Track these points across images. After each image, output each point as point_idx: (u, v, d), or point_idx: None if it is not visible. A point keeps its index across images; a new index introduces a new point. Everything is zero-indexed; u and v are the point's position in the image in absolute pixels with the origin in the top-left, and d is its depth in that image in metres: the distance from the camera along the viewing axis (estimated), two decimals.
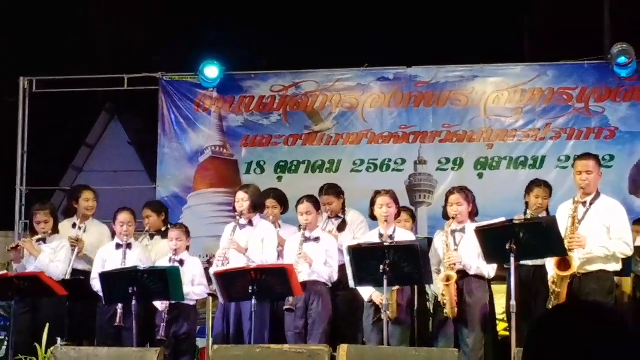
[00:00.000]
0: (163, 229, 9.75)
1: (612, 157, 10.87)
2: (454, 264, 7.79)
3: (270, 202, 9.25)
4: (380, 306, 7.83)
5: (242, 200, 8.72)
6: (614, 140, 11.01)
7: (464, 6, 14.92)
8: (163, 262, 8.75)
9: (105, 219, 9.89)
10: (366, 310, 8.17)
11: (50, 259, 9.11)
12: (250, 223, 8.74)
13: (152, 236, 9.74)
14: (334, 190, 9.36)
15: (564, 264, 7.46)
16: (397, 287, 7.84)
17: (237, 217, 8.73)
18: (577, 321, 2.21)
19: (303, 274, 8.21)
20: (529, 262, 8.24)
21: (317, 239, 8.54)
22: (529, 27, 16.52)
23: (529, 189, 8.93)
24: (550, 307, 7.53)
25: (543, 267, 8.06)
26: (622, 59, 10.90)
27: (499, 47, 14.07)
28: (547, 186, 8.95)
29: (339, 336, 8.25)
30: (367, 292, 8.08)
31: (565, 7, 14.90)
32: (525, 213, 8.80)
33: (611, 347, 2.15)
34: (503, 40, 15.05)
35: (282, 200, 9.36)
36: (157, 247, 9.50)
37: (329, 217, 9.24)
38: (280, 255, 8.71)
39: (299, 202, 8.72)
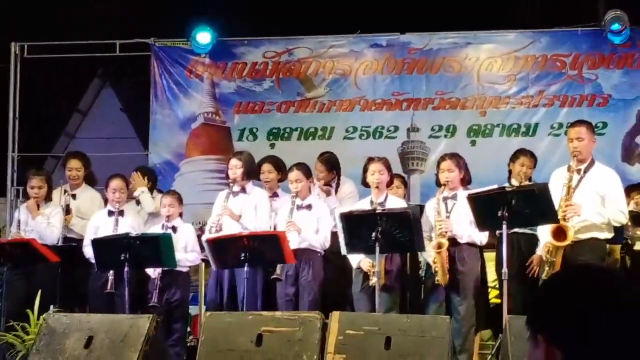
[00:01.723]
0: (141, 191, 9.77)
1: (605, 125, 10.87)
2: (445, 232, 7.80)
3: (265, 167, 9.25)
4: (369, 273, 7.85)
5: (235, 167, 8.71)
6: (607, 107, 11.01)
7: None
8: (155, 229, 8.76)
9: (98, 186, 9.87)
10: (355, 278, 8.18)
11: (46, 223, 9.14)
12: (244, 190, 8.74)
13: (138, 202, 9.74)
14: (327, 162, 9.38)
15: (561, 233, 7.46)
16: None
17: (230, 184, 8.73)
18: (589, 283, 2.20)
19: (293, 242, 8.20)
20: (521, 230, 8.24)
21: (308, 207, 8.53)
22: None
23: (514, 157, 8.94)
24: (544, 275, 7.56)
25: (535, 235, 8.08)
26: (615, 26, 10.86)
27: (492, 14, 13.99)
28: (532, 156, 8.96)
29: (330, 303, 8.26)
30: (355, 259, 8.09)
31: None
32: (508, 180, 8.81)
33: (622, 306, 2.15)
34: (496, 6, 14.97)
35: (278, 165, 9.32)
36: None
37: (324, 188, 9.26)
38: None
39: (289, 170, 8.73)
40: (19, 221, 9.19)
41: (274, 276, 8.18)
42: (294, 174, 8.60)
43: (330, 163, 9.43)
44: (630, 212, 8.49)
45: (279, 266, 8.08)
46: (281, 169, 9.29)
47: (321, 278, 8.43)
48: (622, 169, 10.24)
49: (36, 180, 9.25)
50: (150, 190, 9.85)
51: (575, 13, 12.35)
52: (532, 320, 2.24)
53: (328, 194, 9.21)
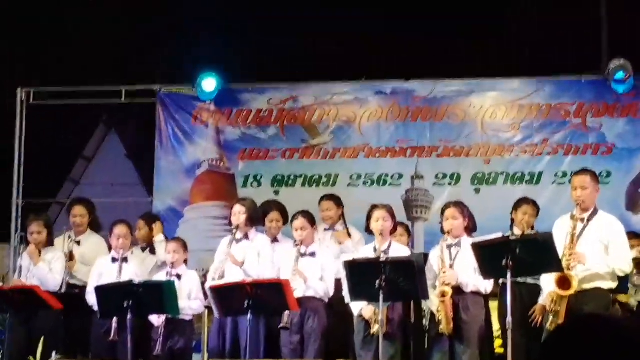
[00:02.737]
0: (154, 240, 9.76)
1: (609, 174, 10.87)
2: (449, 282, 7.78)
3: (274, 215, 9.27)
4: (371, 321, 7.82)
5: (239, 213, 8.71)
6: (611, 156, 11.01)
7: (462, 19, 14.92)
8: (160, 276, 8.74)
9: (102, 231, 9.86)
10: (356, 326, 8.15)
11: (48, 269, 9.10)
12: (247, 237, 8.73)
13: (143, 249, 9.74)
14: (334, 198, 9.45)
15: (565, 282, 7.43)
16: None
17: (234, 231, 8.72)
18: (596, 335, 2.20)
19: (299, 291, 8.18)
20: (522, 279, 8.21)
21: (312, 254, 8.51)
22: (527, 41, 16.52)
23: (517, 206, 8.93)
24: (549, 325, 7.52)
25: (539, 285, 8.06)
26: (619, 75, 10.90)
27: (497, 62, 14.06)
28: (535, 205, 8.95)
29: (332, 351, 8.22)
30: (356, 307, 8.06)
31: (564, 22, 14.91)
32: (511, 229, 8.79)
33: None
34: (501, 54, 15.05)
35: (284, 213, 9.38)
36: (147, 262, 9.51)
37: (325, 229, 9.26)
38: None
39: (294, 217, 8.70)
40: (21, 267, 9.16)
41: (282, 325, 8.13)
42: (299, 222, 8.59)
43: (336, 199, 9.49)
44: (635, 259, 8.47)
45: (285, 314, 8.04)
46: (286, 217, 9.32)
47: (326, 326, 8.39)
48: (626, 218, 10.22)
49: (35, 226, 9.23)
50: (154, 236, 9.86)
51: (579, 61, 12.41)
52: None
53: (342, 238, 9.19)
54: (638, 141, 11.00)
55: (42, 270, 9.05)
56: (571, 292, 7.42)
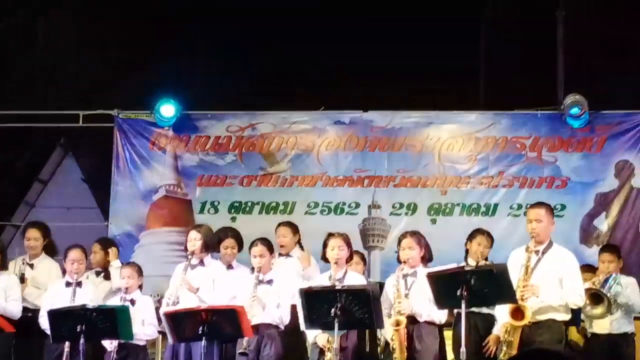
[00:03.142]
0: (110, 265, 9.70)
1: (563, 207, 10.99)
2: (403, 312, 7.80)
3: (229, 242, 9.30)
4: (325, 349, 7.82)
5: (195, 239, 8.70)
6: (566, 189, 11.14)
7: (421, 52, 15.05)
8: (114, 301, 8.67)
9: (57, 255, 9.78)
10: (311, 353, 8.15)
11: (4, 297, 8.98)
12: (202, 263, 8.72)
13: (98, 273, 9.67)
14: (290, 225, 9.46)
15: (518, 313, 7.49)
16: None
17: (189, 257, 8.70)
18: None
19: (257, 317, 8.17)
20: (477, 309, 8.26)
21: (269, 282, 8.50)
22: (484, 75, 16.70)
23: (471, 236, 9.02)
24: (502, 355, 7.58)
25: (493, 314, 8.11)
26: (574, 110, 11.05)
27: (454, 95, 14.19)
28: (489, 236, 9.05)
29: None
30: (311, 334, 8.05)
31: (520, 57, 15.09)
32: (465, 259, 8.86)
33: None
34: (458, 87, 15.18)
35: (239, 239, 9.41)
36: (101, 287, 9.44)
37: (280, 255, 9.27)
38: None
39: (253, 244, 8.67)
40: None
41: (241, 350, 8.12)
42: (258, 249, 8.57)
43: (293, 226, 9.50)
44: (588, 289, 8.56)
45: (245, 339, 8.02)
46: (241, 243, 9.34)
47: (281, 353, 8.37)
48: (580, 251, 10.33)
49: None
50: (109, 261, 9.79)
51: (536, 96, 12.57)
52: None
53: (304, 263, 9.21)
54: (592, 175, 11.14)
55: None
56: (524, 322, 7.49)
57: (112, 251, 9.92)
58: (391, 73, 14.84)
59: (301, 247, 9.61)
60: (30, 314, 9.12)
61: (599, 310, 8.78)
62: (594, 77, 13.09)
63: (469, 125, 11.52)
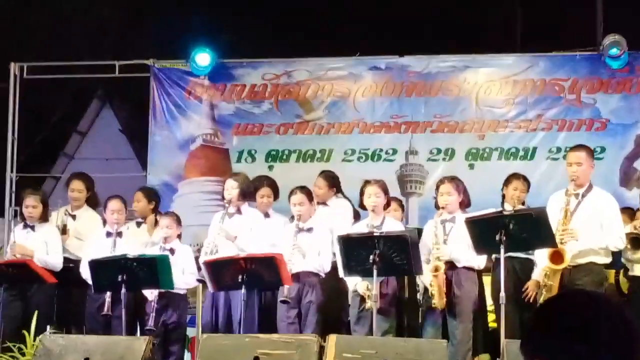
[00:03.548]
0: (150, 217, 9.72)
1: (603, 149, 10.87)
2: (442, 257, 7.79)
3: (265, 191, 9.27)
4: (365, 296, 7.84)
5: (231, 188, 8.72)
6: (606, 132, 11.01)
7: None
8: (154, 250, 8.74)
9: (99, 207, 9.85)
10: (352, 301, 8.17)
11: (45, 250, 9.08)
12: (239, 211, 8.74)
13: (139, 224, 9.72)
14: (330, 179, 9.39)
15: (557, 256, 7.45)
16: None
17: (226, 205, 8.72)
18: (577, 311, 2.22)
19: (297, 265, 8.20)
20: (516, 254, 8.22)
21: (309, 230, 8.51)
22: (522, 17, 16.52)
23: (507, 182, 8.91)
24: (541, 299, 7.54)
25: (532, 259, 8.08)
26: (614, 51, 10.89)
27: (491, 37, 14.06)
28: (525, 180, 8.91)
29: (329, 325, 8.24)
30: (351, 282, 8.07)
31: None
32: (502, 205, 8.78)
33: (611, 337, 2.17)
34: (495, 30, 15.05)
35: (275, 188, 9.39)
36: (142, 235, 9.48)
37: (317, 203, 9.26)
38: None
39: (292, 192, 8.67)
40: (14, 242, 9.14)
41: (282, 298, 8.15)
42: (297, 197, 8.57)
43: (331, 180, 9.44)
44: (629, 234, 8.49)
45: (286, 287, 8.05)
46: (277, 192, 9.33)
47: (323, 300, 8.40)
48: (620, 194, 10.24)
49: (31, 200, 9.22)
50: (153, 211, 9.83)
51: (574, 37, 12.41)
52: (526, 344, 2.25)
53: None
54: (632, 117, 11.00)
55: (41, 259, 8.98)
56: (564, 266, 7.45)
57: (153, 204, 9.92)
58: (427, 17, 14.72)
59: (344, 196, 9.55)
60: (71, 265, 9.21)
61: (639, 254, 8.71)
62: (633, 17, 12.89)
63: (506, 68, 11.40)
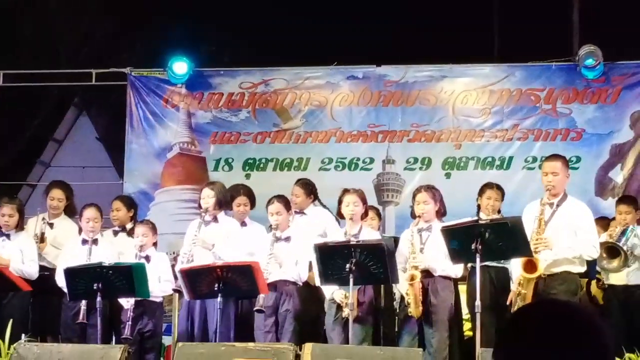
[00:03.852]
0: (129, 225, 9.68)
1: (578, 159, 10.95)
2: (418, 266, 7.80)
3: (241, 200, 9.26)
4: (342, 304, 7.84)
5: (208, 197, 8.70)
6: (581, 141, 11.09)
7: (434, 5, 14.96)
8: (129, 259, 8.71)
9: (76, 216, 9.81)
10: (328, 309, 8.17)
11: (20, 259, 9.02)
12: (215, 220, 8.72)
13: (115, 232, 9.67)
14: (306, 186, 9.39)
15: (531, 265, 7.48)
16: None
17: (202, 214, 8.71)
18: (550, 320, 2.23)
19: (274, 274, 8.19)
20: (495, 263, 8.26)
21: (287, 239, 8.50)
22: (498, 27, 16.60)
23: (481, 191, 8.95)
24: (516, 308, 7.56)
25: (507, 267, 8.11)
26: (589, 61, 10.97)
27: (468, 47, 14.11)
28: (499, 188, 8.95)
29: (305, 334, 8.24)
30: (328, 290, 8.07)
31: (534, 8, 14.98)
32: (477, 214, 8.81)
33: (583, 346, 2.18)
34: (472, 40, 15.10)
35: (252, 197, 9.39)
36: (120, 243, 9.42)
37: (295, 212, 9.25)
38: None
39: (270, 202, 8.65)
40: None
41: (257, 307, 8.13)
42: (275, 206, 8.56)
43: (308, 187, 9.44)
44: (604, 243, 8.54)
45: (260, 297, 8.04)
46: (254, 201, 9.33)
47: (299, 309, 8.40)
48: (595, 203, 10.31)
49: (7, 209, 9.16)
50: (132, 219, 9.80)
51: (550, 48, 12.48)
52: (498, 353, 2.26)
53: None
54: (607, 127, 11.08)
55: (16, 268, 8.92)
56: (537, 275, 7.47)
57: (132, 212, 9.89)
58: (404, 26, 14.77)
59: (322, 204, 9.57)
60: (47, 273, 9.16)
61: (614, 263, 8.76)
62: (609, 28, 12.99)
63: (483, 78, 11.46)
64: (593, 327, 2.22)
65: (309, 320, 8.67)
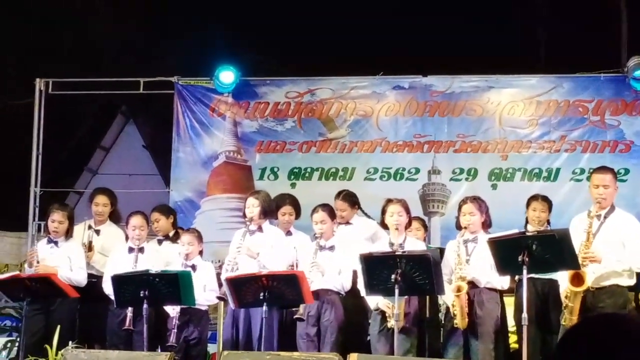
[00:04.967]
0: (171, 233, 9.74)
1: (627, 171, 10.83)
2: (465, 277, 7.77)
3: (287, 209, 9.29)
4: (387, 315, 7.82)
5: (253, 206, 8.71)
6: (629, 153, 10.97)
7: (481, 17, 14.90)
8: (175, 267, 8.75)
9: (121, 222, 9.89)
10: (373, 319, 8.15)
11: (69, 266, 9.10)
12: (260, 229, 8.73)
13: (160, 242, 9.72)
14: (349, 198, 9.40)
15: (578, 279, 7.42)
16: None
17: (247, 223, 8.72)
18: (607, 334, 2.21)
19: (316, 283, 8.19)
20: (542, 275, 8.19)
21: (331, 248, 8.51)
22: (546, 38, 16.50)
23: (527, 204, 8.91)
24: (563, 321, 7.51)
25: (556, 280, 8.04)
26: (638, 72, 10.86)
27: (514, 58, 14.04)
28: (544, 200, 8.89)
29: (348, 344, 8.23)
30: (373, 301, 8.06)
31: (583, 19, 14.87)
32: (525, 227, 8.74)
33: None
34: (519, 51, 15.03)
35: (297, 206, 9.41)
36: (166, 252, 9.47)
37: (339, 223, 9.24)
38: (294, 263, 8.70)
39: (314, 210, 8.67)
40: (37, 262, 9.13)
41: (297, 316, 8.15)
42: (319, 215, 8.57)
43: (352, 199, 9.45)
44: None
45: (301, 306, 8.05)
46: (299, 210, 9.35)
47: (342, 319, 8.39)
48: None
49: (58, 215, 9.26)
50: (174, 225, 9.87)
51: (598, 59, 12.38)
52: None
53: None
54: None
55: (64, 276, 8.99)
56: (584, 288, 7.40)
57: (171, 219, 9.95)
58: (450, 36, 14.73)
59: (364, 213, 9.59)
60: (95, 280, 9.24)
61: None
62: None
63: (530, 88, 11.39)
64: None
65: (353, 330, 8.66)
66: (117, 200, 9.95)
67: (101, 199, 9.79)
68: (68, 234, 9.27)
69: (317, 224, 8.54)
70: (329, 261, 8.44)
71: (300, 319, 8.19)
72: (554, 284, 8.17)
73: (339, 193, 9.54)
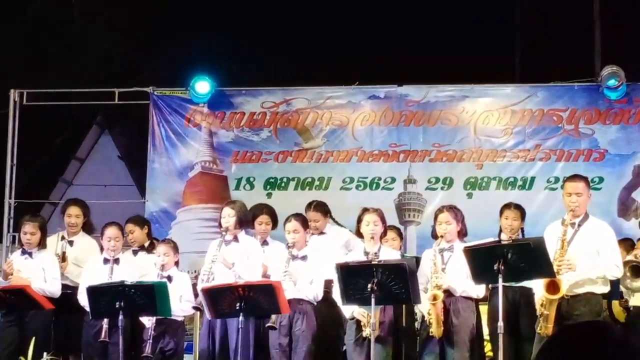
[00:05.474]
0: (147, 243, 9.71)
1: (601, 179, 10.90)
2: (441, 285, 7.79)
3: (263, 219, 9.28)
4: (362, 324, 7.82)
5: (229, 216, 8.70)
6: (603, 162, 11.05)
7: (456, 26, 14.97)
8: (151, 278, 8.72)
9: (94, 233, 9.85)
10: (348, 328, 8.15)
11: (43, 277, 9.04)
12: (236, 239, 8.71)
13: (135, 252, 9.68)
14: (321, 208, 9.41)
15: (553, 286, 7.44)
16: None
17: (223, 233, 8.71)
18: (586, 343, 2.22)
19: (288, 292, 8.17)
20: (513, 283, 8.21)
21: (304, 257, 8.50)
22: (520, 48, 16.59)
23: (500, 212, 8.92)
24: (539, 329, 7.54)
25: (529, 288, 8.07)
26: (612, 82, 10.94)
27: (489, 68, 14.11)
28: (517, 208, 8.89)
29: (324, 354, 8.22)
30: (348, 310, 8.05)
31: (556, 29, 14.97)
32: (499, 235, 8.76)
33: None
34: (494, 60, 15.09)
35: (274, 216, 9.40)
36: (141, 263, 9.43)
37: (313, 233, 9.24)
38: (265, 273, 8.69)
39: (287, 220, 8.66)
40: (11, 274, 9.07)
41: (269, 324, 8.14)
42: (292, 225, 8.57)
43: (323, 209, 9.46)
44: (629, 262, 8.50)
45: (273, 315, 8.04)
46: (276, 220, 9.34)
47: (314, 328, 8.38)
48: (618, 224, 10.26)
49: (29, 227, 9.19)
50: (149, 235, 9.83)
51: (572, 68, 12.47)
52: None
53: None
54: (630, 147, 11.04)
55: (37, 287, 8.93)
56: (559, 296, 7.43)
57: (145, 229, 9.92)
58: (425, 46, 14.78)
59: (337, 223, 9.60)
60: (70, 291, 9.18)
61: (638, 282, 8.71)
62: (631, 48, 12.96)
63: (505, 98, 11.45)
64: (628, 347, 2.21)
65: (328, 340, 8.65)
66: (90, 211, 9.89)
67: (73, 210, 9.74)
68: (41, 244, 9.21)
69: (290, 233, 8.53)
70: (302, 271, 8.43)
71: (272, 327, 8.17)
72: (525, 292, 8.21)
73: (310, 204, 9.52)
